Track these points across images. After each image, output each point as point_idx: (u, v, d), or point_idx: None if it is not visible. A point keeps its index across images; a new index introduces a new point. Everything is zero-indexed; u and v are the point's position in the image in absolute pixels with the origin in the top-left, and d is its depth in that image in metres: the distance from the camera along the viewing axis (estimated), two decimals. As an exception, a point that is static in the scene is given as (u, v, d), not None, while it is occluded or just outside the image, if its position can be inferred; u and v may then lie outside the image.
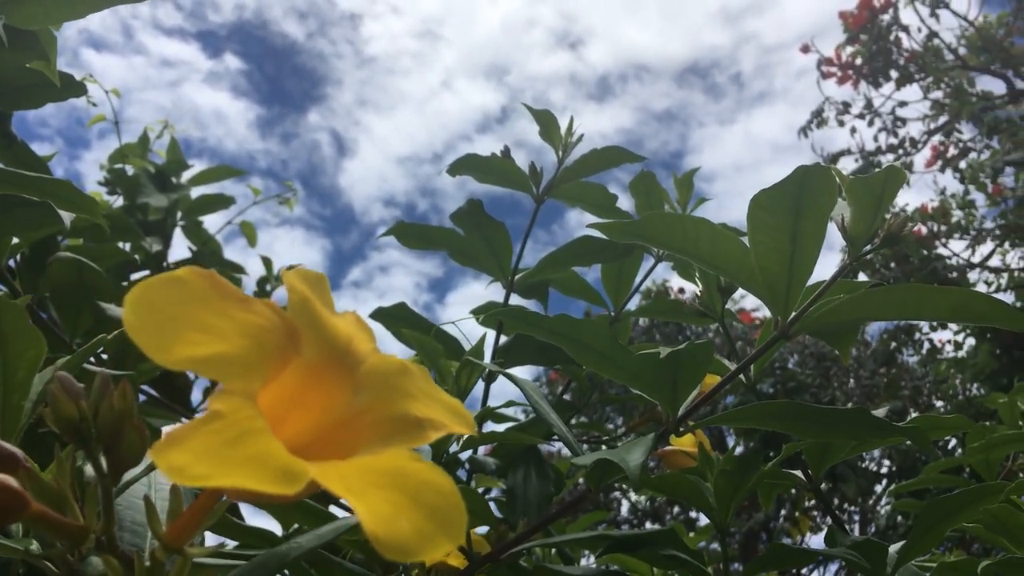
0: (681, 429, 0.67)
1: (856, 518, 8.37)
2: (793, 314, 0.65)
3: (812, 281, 0.66)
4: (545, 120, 1.09)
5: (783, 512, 7.05)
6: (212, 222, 1.95)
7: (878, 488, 7.65)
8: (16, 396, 0.37)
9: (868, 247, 0.64)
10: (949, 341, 7.05)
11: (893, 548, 0.80)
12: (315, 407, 0.31)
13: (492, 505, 1.09)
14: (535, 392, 0.73)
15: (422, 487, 0.27)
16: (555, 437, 0.95)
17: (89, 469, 0.40)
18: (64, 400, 0.30)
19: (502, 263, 1.09)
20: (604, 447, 1.16)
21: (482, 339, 0.83)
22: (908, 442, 0.72)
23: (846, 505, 8.05)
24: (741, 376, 0.73)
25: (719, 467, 0.66)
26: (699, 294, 0.85)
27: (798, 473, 0.83)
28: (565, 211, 1.23)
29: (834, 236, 0.69)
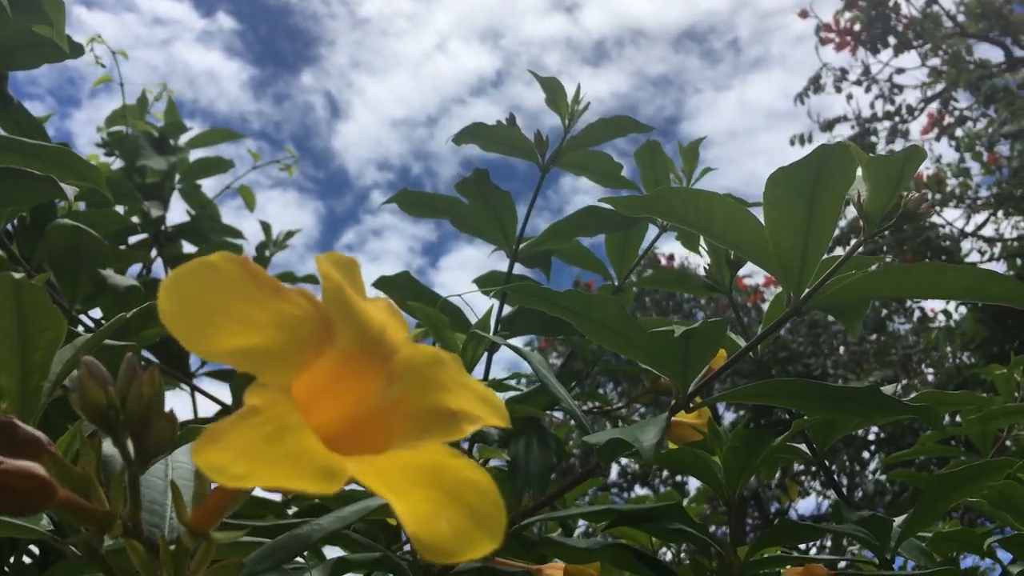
0: (691, 405, 0.67)
1: (845, 484, 8.47)
2: (806, 291, 0.65)
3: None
4: (552, 88, 1.07)
5: (776, 475, 7.13)
6: (209, 186, 1.94)
7: (866, 454, 7.73)
8: (35, 377, 0.37)
9: (884, 224, 0.64)
10: (942, 311, 7.08)
11: (897, 522, 0.80)
12: (348, 397, 0.31)
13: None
14: (543, 366, 0.72)
15: (461, 485, 0.26)
16: (556, 407, 0.95)
17: (108, 448, 0.39)
18: (92, 386, 0.29)
19: (507, 232, 1.08)
20: (606, 420, 1.16)
21: (488, 312, 0.83)
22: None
23: (835, 472, 8.14)
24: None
25: (728, 443, 0.66)
26: (707, 267, 0.85)
27: (803, 447, 0.83)
28: (560, 175, 1.22)
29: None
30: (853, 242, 0.65)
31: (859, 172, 0.63)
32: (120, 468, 0.31)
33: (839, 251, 0.69)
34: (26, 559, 0.73)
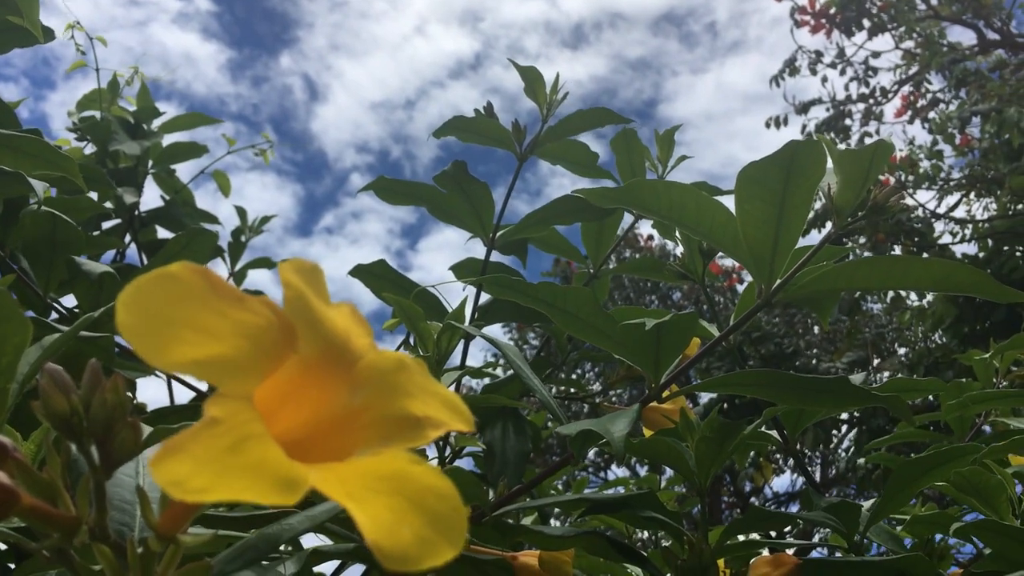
0: (663, 395, 0.68)
1: (818, 461, 8.57)
2: (778, 282, 0.66)
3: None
4: (531, 77, 1.07)
5: (750, 454, 7.20)
6: (184, 170, 1.91)
7: (837, 434, 7.82)
8: (1, 380, 0.37)
9: (854, 217, 0.64)
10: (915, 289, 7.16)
11: (866, 506, 0.81)
12: (311, 404, 0.31)
13: (471, 461, 1.10)
14: (517, 356, 0.73)
15: (423, 492, 0.26)
16: (533, 397, 0.95)
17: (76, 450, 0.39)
18: (55, 394, 0.29)
19: (483, 221, 1.08)
20: (584, 404, 1.17)
21: (463, 302, 0.83)
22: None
23: (806, 451, 8.24)
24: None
25: (700, 434, 0.66)
26: (680, 256, 0.85)
27: (775, 434, 0.84)
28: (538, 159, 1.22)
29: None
30: (824, 233, 0.65)
31: (830, 164, 0.64)
32: (85, 474, 0.31)
33: (815, 234, 0.70)
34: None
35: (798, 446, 0.87)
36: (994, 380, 1.14)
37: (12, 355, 0.37)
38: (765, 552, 0.81)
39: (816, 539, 0.86)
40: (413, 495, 0.26)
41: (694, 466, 0.68)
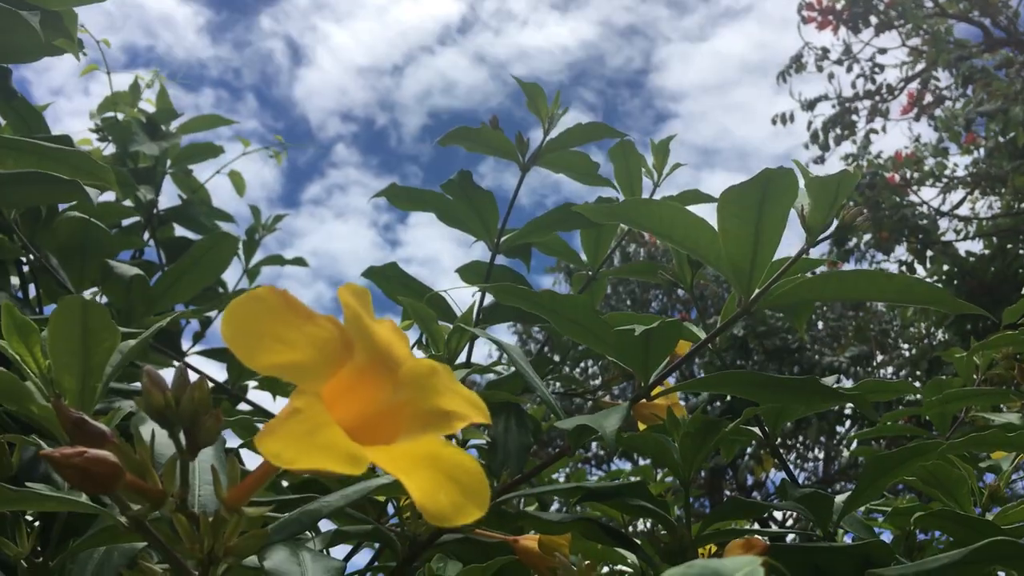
0: (653, 394, 0.75)
1: (820, 456, 8.64)
2: (756, 292, 0.73)
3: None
4: (532, 93, 1.14)
5: (748, 450, 7.27)
6: (199, 168, 1.99)
7: (841, 429, 7.89)
8: (92, 379, 0.44)
9: (823, 235, 0.72)
10: (917, 287, 7.19)
11: (839, 498, 0.89)
12: (364, 399, 0.39)
13: (474, 452, 1.17)
14: (520, 357, 0.80)
15: (455, 467, 0.35)
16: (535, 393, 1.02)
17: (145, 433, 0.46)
18: (154, 391, 0.37)
19: (488, 227, 1.15)
20: (581, 400, 1.25)
21: (471, 307, 0.90)
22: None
23: (808, 443, 8.31)
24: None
25: (684, 429, 0.74)
26: (672, 266, 0.93)
27: (756, 430, 0.92)
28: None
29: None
30: (797, 250, 0.72)
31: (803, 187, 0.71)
32: (172, 456, 0.39)
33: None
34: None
35: (802, 439, 0.94)
36: (975, 377, 1.21)
37: (103, 356, 0.44)
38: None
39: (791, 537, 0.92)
40: (448, 469, 0.34)
41: (679, 459, 0.76)
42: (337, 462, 0.32)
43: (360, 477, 0.54)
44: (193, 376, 0.38)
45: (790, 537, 0.95)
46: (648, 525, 2.02)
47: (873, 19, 8.58)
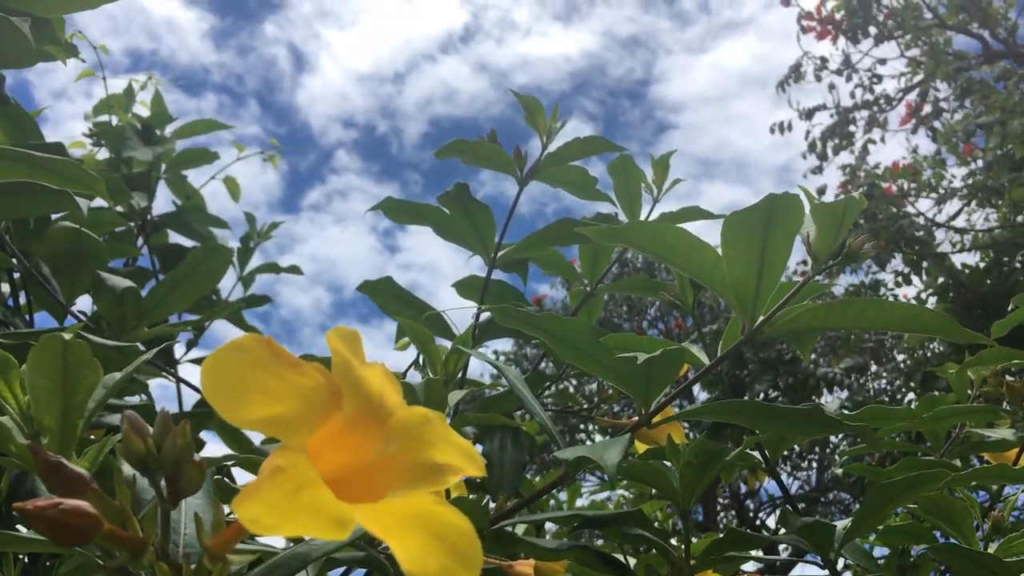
0: (652, 422, 0.74)
1: (814, 466, 8.63)
2: (760, 319, 0.71)
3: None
4: (531, 106, 1.13)
5: (744, 461, 7.23)
6: (194, 174, 1.97)
7: (835, 439, 7.88)
8: (73, 416, 0.42)
9: (830, 262, 0.70)
10: (915, 297, 7.20)
11: (840, 525, 0.87)
12: (353, 450, 0.37)
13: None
14: (517, 380, 0.78)
15: (446, 529, 0.33)
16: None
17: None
18: (134, 438, 0.35)
19: (485, 242, 1.14)
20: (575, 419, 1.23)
21: (469, 328, 0.88)
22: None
23: (803, 452, 8.30)
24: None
25: (684, 458, 0.72)
26: (673, 285, 0.91)
27: (756, 455, 0.90)
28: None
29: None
30: (803, 277, 0.71)
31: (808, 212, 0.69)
32: (152, 503, 0.37)
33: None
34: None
35: (796, 448, 0.92)
36: (969, 393, 1.19)
37: (85, 394, 0.42)
38: (749, 566, 0.86)
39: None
40: (438, 531, 0.32)
41: (678, 488, 0.74)
42: (321, 527, 0.30)
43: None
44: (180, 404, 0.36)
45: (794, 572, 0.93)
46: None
47: (872, 30, 8.59)
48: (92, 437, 0.75)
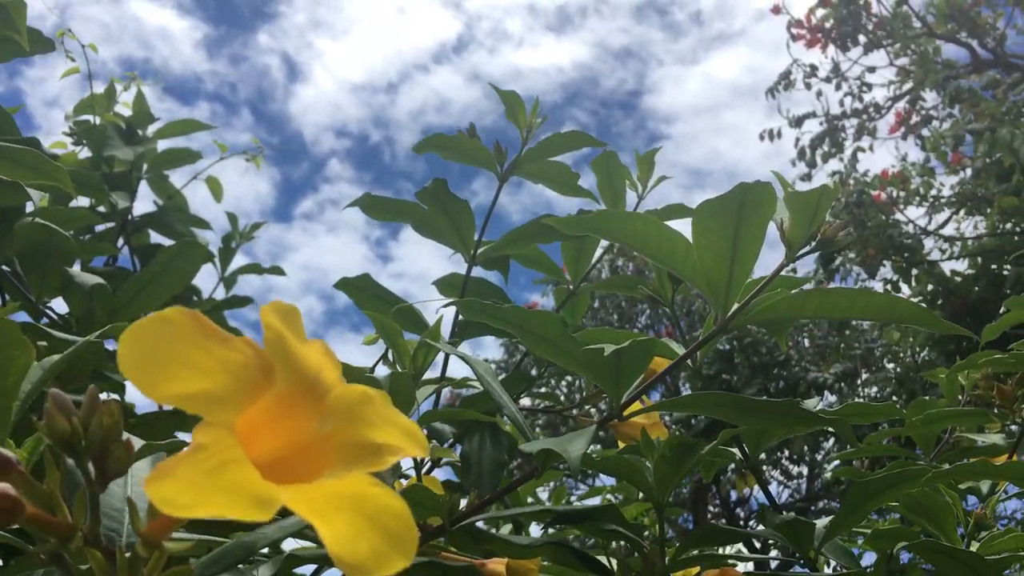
0: (626, 413, 0.72)
1: (804, 475, 8.62)
2: (734, 308, 0.70)
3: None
4: (511, 102, 1.11)
5: (731, 466, 7.23)
6: (176, 174, 1.95)
7: (825, 445, 7.87)
8: (5, 399, 0.40)
9: (803, 250, 0.69)
10: (904, 306, 7.19)
11: (820, 524, 0.86)
12: (286, 430, 0.35)
13: (449, 471, 1.13)
14: (488, 374, 0.76)
15: (380, 511, 0.30)
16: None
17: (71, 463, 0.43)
18: (58, 417, 0.33)
19: (465, 239, 1.12)
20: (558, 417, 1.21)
21: (438, 321, 0.86)
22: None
23: (795, 458, 8.29)
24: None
25: (659, 452, 0.70)
26: (652, 282, 0.90)
27: (735, 451, 0.88)
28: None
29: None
30: (776, 265, 0.69)
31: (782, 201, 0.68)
32: (81, 488, 0.35)
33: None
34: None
35: (787, 453, 0.91)
36: (960, 397, 1.18)
37: (17, 375, 0.40)
38: (739, 566, 0.85)
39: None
40: (372, 513, 0.30)
41: (653, 483, 0.72)
42: (242, 507, 0.27)
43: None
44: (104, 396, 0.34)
45: (774, 564, 0.92)
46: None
47: (861, 38, 8.63)
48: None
